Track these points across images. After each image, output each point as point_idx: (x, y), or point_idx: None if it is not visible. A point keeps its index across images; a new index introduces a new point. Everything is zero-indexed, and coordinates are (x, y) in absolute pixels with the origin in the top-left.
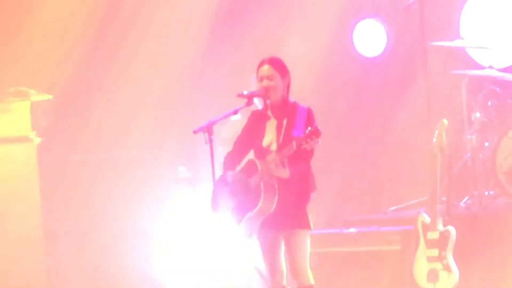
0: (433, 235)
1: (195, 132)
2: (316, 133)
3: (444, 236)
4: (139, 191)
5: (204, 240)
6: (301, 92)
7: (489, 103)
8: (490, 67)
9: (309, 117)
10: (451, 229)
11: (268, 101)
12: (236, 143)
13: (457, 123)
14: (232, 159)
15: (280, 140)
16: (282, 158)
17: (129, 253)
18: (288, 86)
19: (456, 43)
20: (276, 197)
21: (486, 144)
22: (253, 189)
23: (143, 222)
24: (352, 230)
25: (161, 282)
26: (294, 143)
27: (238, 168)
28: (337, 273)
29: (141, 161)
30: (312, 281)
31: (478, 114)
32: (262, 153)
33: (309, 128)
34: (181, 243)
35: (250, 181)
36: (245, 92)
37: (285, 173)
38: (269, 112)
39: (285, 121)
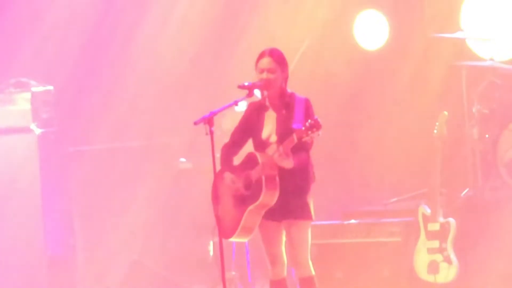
0: (434, 227)
1: (195, 123)
2: (316, 125)
3: (445, 227)
4: (139, 182)
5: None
6: (301, 84)
7: (490, 95)
8: (491, 59)
9: (308, 107)
10: (452, 221)
11: (266, 93)
12: (233, 134)
13: (458, 115)
14: (229, 151)
15: (279, 131)
16: (285, 149)
17: (129, 245)
18: (286, 78)
19: (457, 35)
20: (278, 190)
21: (487, 136)
22: (254, 183)
23: (143, 213)
24: (352, 221)
25: (163, 275)
26: (294, 136)
27: (237, 160)
28: (337, 265)
29: (142, 152)
30: (312, 272)
31: (478, 106)
32: (261, 145)
33: (309, 120)
34: (180, 234)
35: (251, 174)
36: (246, 84)
37: (289, 162)
38: (267, 103)
39: (283, 112)
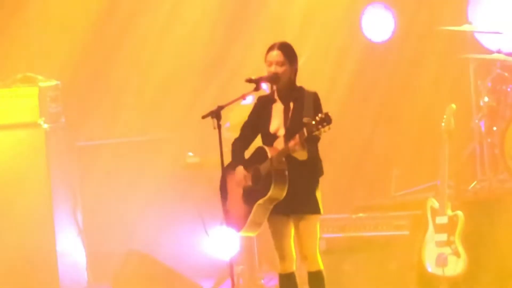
0: (442, 220)
1: (203, 117)
2: (327, 120)
3: (453, 220)
4: (147, 177)
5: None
6: (309, 77)
7: (498, 88)
8: (499, 51)
9: (316, 101)
10: (460, 214)
11: (274, 86)
12: (243, 128)
13: (466, 108)
14: (239, 145)
15: (288, 124)
16: (301, 140)
17: (136, 239)
18: (295, 72)
19: (464, 27)
20: (287, 184)
21: (495, 128)
22: (263, 177)
23: (150, 208)
24: (360, 215)
25: (170, 269)
26: (305, 130)
27: (247, 154)
28: (346, 258)
29: (149, 147)
30: (321, 266)
31: (486, 99)
32: (270, 138)
33: (319, 114)
34: (187, 228)
35: (260, 168)
36: (254, 77)
37: (304, 153)
38: (276, 97)
39: (292, 105)
